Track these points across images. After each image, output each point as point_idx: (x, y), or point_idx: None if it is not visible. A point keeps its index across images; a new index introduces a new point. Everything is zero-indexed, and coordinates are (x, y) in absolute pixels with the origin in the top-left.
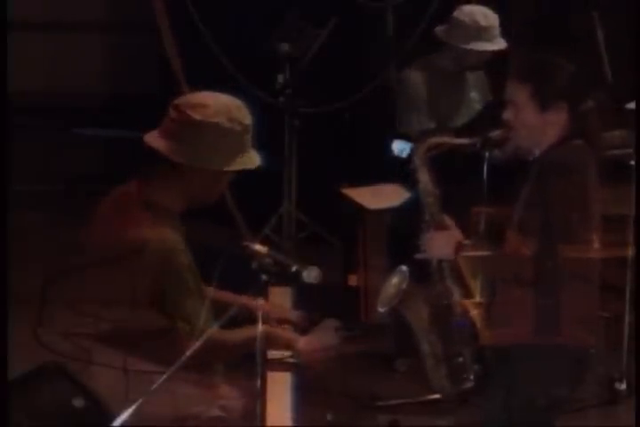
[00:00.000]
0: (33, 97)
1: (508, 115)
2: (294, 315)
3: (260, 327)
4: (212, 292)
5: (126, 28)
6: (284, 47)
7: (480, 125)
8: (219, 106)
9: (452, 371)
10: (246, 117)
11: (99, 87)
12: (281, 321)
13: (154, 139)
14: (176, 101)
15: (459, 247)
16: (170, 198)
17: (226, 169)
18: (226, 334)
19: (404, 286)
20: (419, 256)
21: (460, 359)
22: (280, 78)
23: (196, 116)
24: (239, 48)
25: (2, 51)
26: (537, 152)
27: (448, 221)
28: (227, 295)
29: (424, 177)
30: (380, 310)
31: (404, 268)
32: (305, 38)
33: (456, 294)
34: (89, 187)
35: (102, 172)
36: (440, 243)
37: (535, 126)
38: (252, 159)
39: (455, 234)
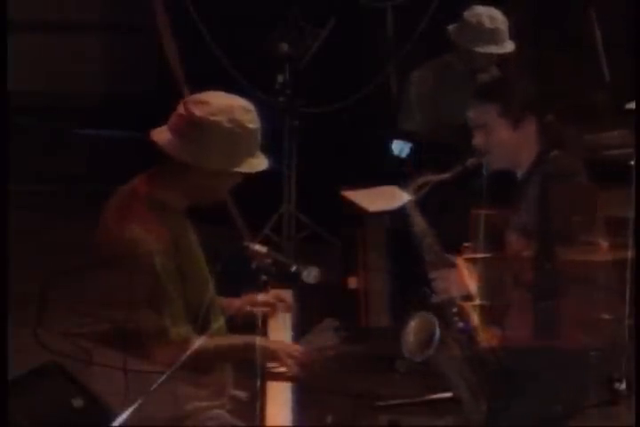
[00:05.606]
0: (33, 97)
1: (477, 140)
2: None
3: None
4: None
5: (126, 28)
6: (284, 47)
7: None
8: (221, 105)
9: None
10: (251, 121)
11: (99, 87)
12: (265, 305)
13: (159, 134)
14: (186, 98)
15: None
16: (174, 196)
17: (224, 170)
18: (214, 340)
19: (436, 337)
20: (436, 300)
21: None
22: (280, 78)
23: (197, 112)
24: (239, 48)
25: (2, 51)
26: (519, 173)
27: (451, 257)
28: (224, 302)
29: (418, 219)
30: (416, 360)
31: (426, 314)
32: (305, 38)
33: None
34: (89, 187)
35: (102, 172)
36: (454, 281)
37: (509, 145)
38: (254, 164)
39: (463, 269)
